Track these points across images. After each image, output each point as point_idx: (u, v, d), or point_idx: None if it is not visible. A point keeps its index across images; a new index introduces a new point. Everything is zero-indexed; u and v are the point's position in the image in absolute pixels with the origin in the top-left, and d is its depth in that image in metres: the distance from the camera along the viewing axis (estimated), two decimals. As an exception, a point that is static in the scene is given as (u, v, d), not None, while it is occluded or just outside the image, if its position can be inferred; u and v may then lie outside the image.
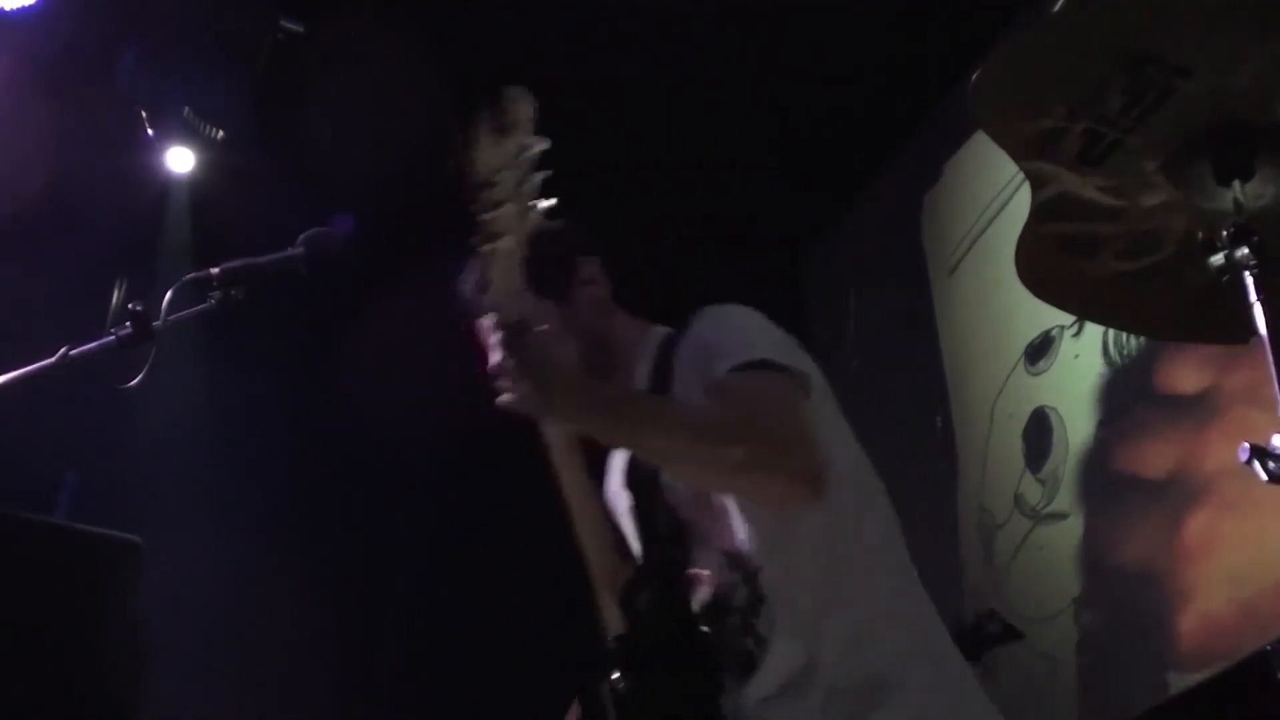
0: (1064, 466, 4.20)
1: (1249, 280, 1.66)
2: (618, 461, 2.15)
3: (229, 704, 4.87)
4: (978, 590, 4.43)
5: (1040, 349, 4.38)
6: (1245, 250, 1.66)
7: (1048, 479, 4.25)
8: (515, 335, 1.71)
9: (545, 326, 1.74)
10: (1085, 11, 1.66)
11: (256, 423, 5.29)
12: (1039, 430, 4.34)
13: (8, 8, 4.03)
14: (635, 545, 2.08)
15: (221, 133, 4.50)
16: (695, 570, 1.94)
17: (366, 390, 4.86)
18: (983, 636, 3.35)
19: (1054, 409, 4.30)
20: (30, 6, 4.04)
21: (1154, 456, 3.85)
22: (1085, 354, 4.19)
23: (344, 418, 5.31)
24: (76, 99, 4.47)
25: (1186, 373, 3.77)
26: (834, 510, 1.87)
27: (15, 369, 2.29)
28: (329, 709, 5.28)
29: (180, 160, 4.69)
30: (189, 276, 2.43)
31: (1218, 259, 1.69)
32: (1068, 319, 4.19)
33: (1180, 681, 3.50)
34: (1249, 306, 1.65)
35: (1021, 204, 1.94)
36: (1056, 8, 1.66)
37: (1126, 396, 4.01)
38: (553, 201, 1.65)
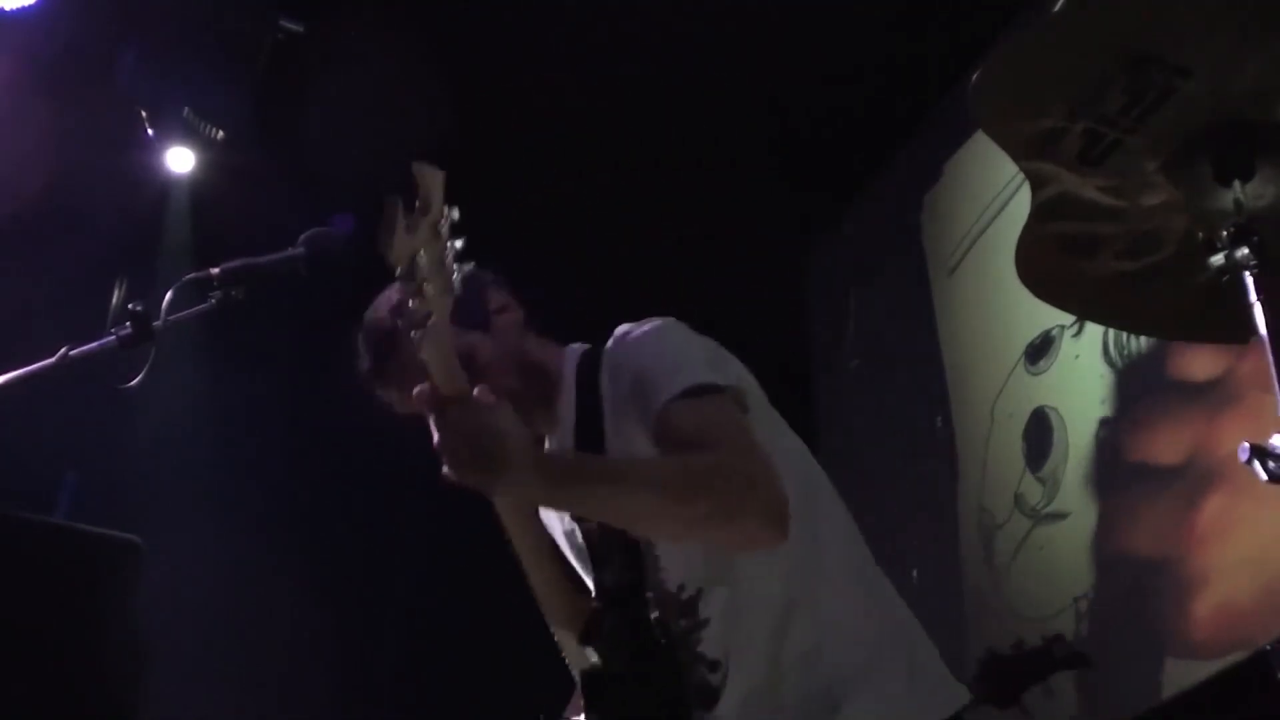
0: (1064, 466, 4.20)
1: (1249, 280, 1.66)
2: None
3: (229, 704, 4.87)
4: (978, 590, 4.43)
5: (1040, 349, 4.38)
6: (1245, 250, 1.66)
7: (1048, 479, 4.25)
8: (457, 411, 1.64)
9: (482, 393, 1.67)
10: (1085, 11, 1.66)
11: (256, 423, 5.29)
12: (1039, 430, 4.34)
13: (8, 8, 4.03)
14: (585, 575, 2.05)
15: (221, 133, 4.49)
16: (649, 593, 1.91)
17: (366, 390, 4.85)
18: (1049, 661, 3.37)
19: (1054, 409, 4.30)
20: (30, 6, 4.04)
21: (1167, 444, 3.83)
22: (1085, 354, 4.19)
23: (344, 418, 5.28)
24: (76, 99, 4.47)
25: (1200, 359, 3.74)
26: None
27: (15, 369, 2.29)
28: (329, 709, 5.28)
29: (180, 160, 4.69)
30: (189, 276, 2.42)
31: (1218, 259, 1.69)
32: (1068, 319, 4.18)
33: (1196, 669, 3.48)
34: (1249, 306, 1.65)
35: (1021, 204, 1.94)
36: (1056, 8, 1.66)
37: (1137, 386, 3.99)
38: (462, 249, 1.61)
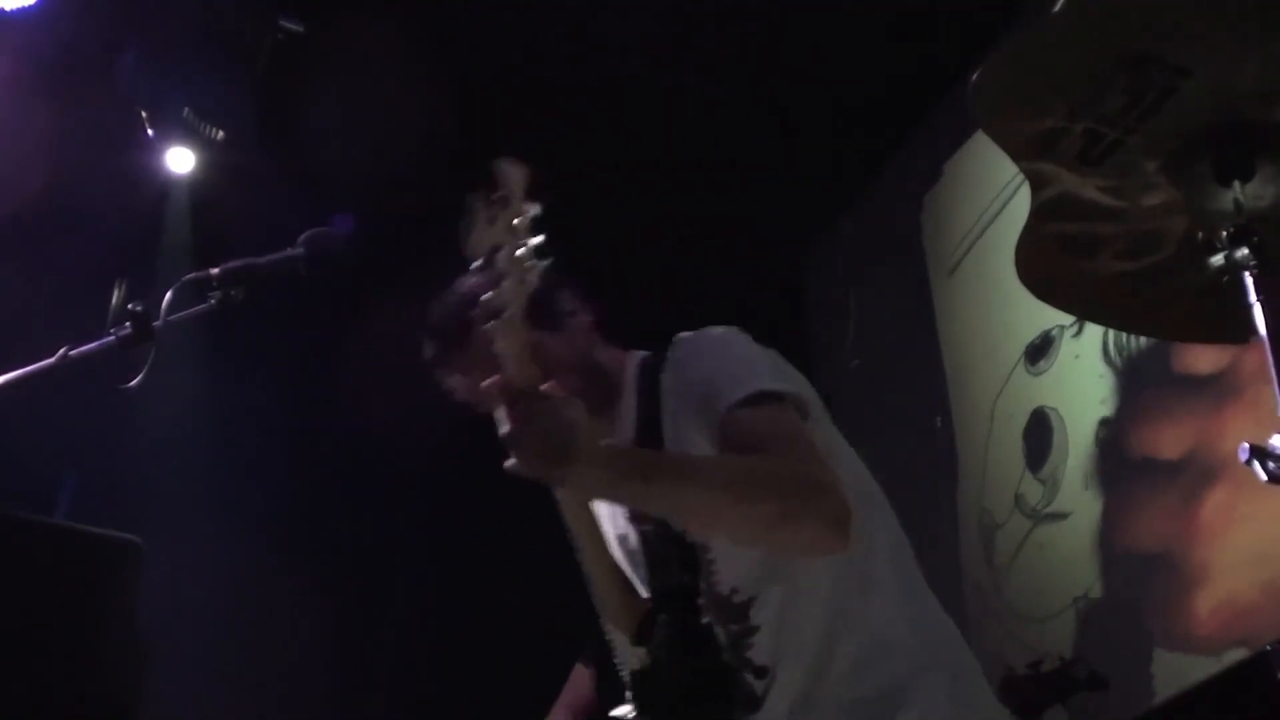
0: (1064, 466, 4.20)
1: (1249, 281, 1.66)
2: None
3: (229, 704, 4.87)
4: (978, 590, 4.43)
5: (1040, 349, 4.38)
6: (1245, 251, 1.66)
7: (1048, 479, 4.25)
8: (529, 402, 1.65)
9: (551, 387, 1.68)
10: (1085, 11, 1.66)
11: (256, 423, 5.29)
12: (1039, 430, 4.34)
13: (8, 8, 4.02)
14: (636, 580, 2.06)
15: (221, 133, 4.49)
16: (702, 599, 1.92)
17: (367, 390, 4.87)
18: (1070, 682, 3.38)
19: (1054, 409, 4.30)
20: (30, 6, 4.04)
21: (1170, 438, 3.83)
22: (1085, 354, 4.20)
23: (344, 418, 5.31)
24: (76, 99, 4.47)
25: (1205, 352, 3.73)
26: None
27: (15, 369, 2.29)
28: (329, 709, 5.29)
29: (180, 160, 4.69)
30: (189, 277, 2.42)
31: (1218, 259, 1.69)
32: (1068, 319, 4.19)
33: (1197, 665, 3.48)
34: (1249, 307, 1.65)
35: (1021, 204, 1.94)
36: (1056, 8, 1.66)
37: (1137, 385, 4.00)
38: (543, 245, 1.64)
